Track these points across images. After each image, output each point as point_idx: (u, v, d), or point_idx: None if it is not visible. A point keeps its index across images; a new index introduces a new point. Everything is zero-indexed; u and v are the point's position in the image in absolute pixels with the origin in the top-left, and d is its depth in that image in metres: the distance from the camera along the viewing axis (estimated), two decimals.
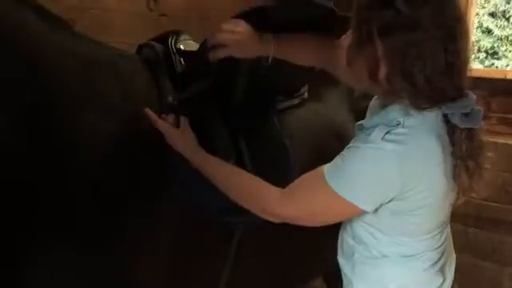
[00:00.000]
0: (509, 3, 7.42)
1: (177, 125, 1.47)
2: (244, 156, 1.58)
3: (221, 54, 1.48)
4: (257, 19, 1.49)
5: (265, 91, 1.71)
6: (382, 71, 1.19)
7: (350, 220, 1.35)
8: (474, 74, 3.43)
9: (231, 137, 1.58)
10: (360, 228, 1.33)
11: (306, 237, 1.58)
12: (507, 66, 7.18)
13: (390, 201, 1.22)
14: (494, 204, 3.18)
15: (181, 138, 1.45)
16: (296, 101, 1.86)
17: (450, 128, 1.21)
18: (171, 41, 1.65)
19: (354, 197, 1.21)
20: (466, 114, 1.20)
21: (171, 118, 1.47)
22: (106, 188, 1.35)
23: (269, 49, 1.48)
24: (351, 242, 1.37)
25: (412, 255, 1.32)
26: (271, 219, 1.35)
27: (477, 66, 6.41)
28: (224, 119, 1.59)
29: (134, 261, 1.41)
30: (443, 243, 1.38)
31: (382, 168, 1.18)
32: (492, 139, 3.16)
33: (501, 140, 3.15)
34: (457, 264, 1.47)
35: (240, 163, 1.55)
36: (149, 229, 1.43)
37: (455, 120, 1.19)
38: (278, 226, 1.37)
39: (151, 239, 1.44)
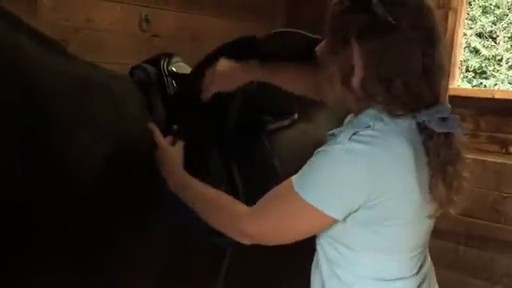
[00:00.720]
0: (495, 24, 7.55)
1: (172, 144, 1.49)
2: (236, 178, 1.59)
3: (209, 93, 1.56)
4: (246, 50, 1.54)
5: (255, 113, 1.73)
6: (357, 76, 1.18)
7: (320, 242, 1.29)
8: (463, 94, 3.50)
9: (223, 160, 1.59)
10: (329, 247, 1.26)
11: (288, 259, 1.58)
12: (495, 85, 7.27)
13: (357, 209, 1.17)
14: (483, 222, 3.20)
15: (170, 156, 1.45)
16: (286, 122, 1.89)
17: (427, 135, 1.18)
18: (163, 63, 1.67)
19: (321, 202, 1.15)
20: (443, 119, 1.18)
21: (170, 138, 1.49)
22: (99, 208, 1.35)
23: (256, 75, 1.53)
24: (322, 268, 1.29)
25: (388, 280, 1.24)
26: (246, 241, 1.28)
27: (465, 85, 6.48)
28: (216, 143, 1.60)
29: (125, 279, 1.41)
30: (422, 268, 1.30)
31: (348, 169, 1.14)
32: (481, 157, 3.19)
33: (489, 158, 3.19)
34: (447, 282, 1.44)
35: (232, 185, 1.55)
36: (140, 247, 1.44)
37: (432, 125, 1.17)
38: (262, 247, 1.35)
39: (142, 258, 1.45)
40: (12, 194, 1.21)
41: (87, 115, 1.37)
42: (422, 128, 1.19)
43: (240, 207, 1.30)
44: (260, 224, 1.24)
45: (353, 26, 1.17)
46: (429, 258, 1.37)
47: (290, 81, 1.59)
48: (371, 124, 1.17)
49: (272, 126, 1.81)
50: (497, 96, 3.25)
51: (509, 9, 7.46)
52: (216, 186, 1.44)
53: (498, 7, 7.53)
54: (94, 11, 2.83)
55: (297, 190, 1.18)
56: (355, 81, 1.18)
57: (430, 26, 1.18)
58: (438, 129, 1.17)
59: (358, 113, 1.26)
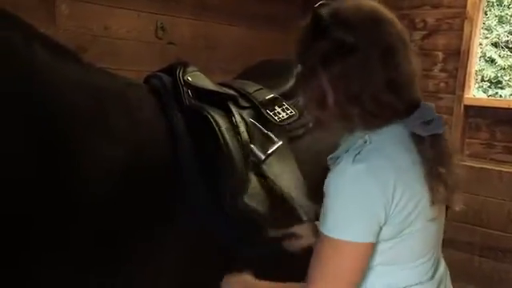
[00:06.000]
0: (511, 34, 7.50)
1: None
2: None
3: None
4: None
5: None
6: (330, 99, 1.21)
7: None
8: (478, 104, 3.49)
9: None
10: None
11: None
12: (511, 95, 7.21)
13: (382, 226, 1.18)
14: (499, 233, 3.16)
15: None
16: (301, 131, 1.90)
17: (416, 140, 1.21)
18: (179, 72, 1.66)
19: (355, 235, 1.15)
20: (428, 122, 1.21)
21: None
22: (116, 216, 1.36)
23: None
24: None
25: (406, 287, 1.25)
26: None
27: (480, 95, 6.43)
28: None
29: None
30: (437, 272, 1.32)
31: (362, 192, 1.14)
32: (497, 168, 3.16)
33: (505, 169, 3.16)
34: None
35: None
36: (156, 254, 1.44)
37: (418, 130, 1.19)
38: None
39: (157, 265, 1.45)
40: (29, 206, 1.21)
41: (103, 124, 1.37)
42: (410, 134, 1.21)
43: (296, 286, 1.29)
44: (319, 284, 1.19)
45: (315, 53, 1.20)
46: (443, 262, 1.38)
47: None
48: (367, 138, 1.20)
49: (290, 134, 1.81)
50: None
51: None
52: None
53: None
54: (111, 19, 2.86)
55: (329, 235, 1.17)
56: (330, 102, 1.21)
57: (388, 39, 1.19)
58: (423, 133, 1.20)
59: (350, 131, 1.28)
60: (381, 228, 1.18)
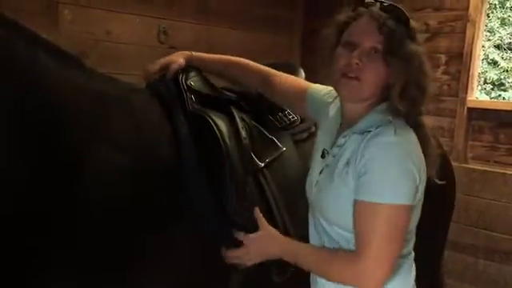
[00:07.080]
0: None
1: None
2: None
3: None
4: None
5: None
6: (394, 82, 1.30)
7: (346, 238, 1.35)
8: (481, 106, 3.47)
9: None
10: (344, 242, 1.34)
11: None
12: None
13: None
14: (504, 236, 3.15)
15: (272, 232, 1.49)
16: (304, 135, 1.90)
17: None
18: (182, 77, 1.66)
19: (405, 197, 1.25)
20: None
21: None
22: (121, 220, 1.35)
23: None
24: None
25: (405, 256, 1.38)
26: (372, 280, 1.27)
27: (483, 97, 6.41)
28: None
29: None
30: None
31: (406, 159, 1.25)
32: (501, 170, 3.15)
33: (509, 171, 3.15)
34: None
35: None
36: (161, 258, 1.44)
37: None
38: None
39: (163, 269, 1.44)
40: (32, 209, 1.21)
41: (107, 129, 1.37)
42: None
43: (345, 253, 1.33)
44: (372, 252, 1.24)
45: (400, 34, 1.33)
46: None
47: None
48: (390, 118, 1.31)
49: (294, 138, 1.82)
50: None
51: None
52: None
53: None
54: (113, 23, 2.87)
55: (378, 201, 1.24)
56: (394, 87, 1.30)
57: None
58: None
59: (364, 109, 1.36)
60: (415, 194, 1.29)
